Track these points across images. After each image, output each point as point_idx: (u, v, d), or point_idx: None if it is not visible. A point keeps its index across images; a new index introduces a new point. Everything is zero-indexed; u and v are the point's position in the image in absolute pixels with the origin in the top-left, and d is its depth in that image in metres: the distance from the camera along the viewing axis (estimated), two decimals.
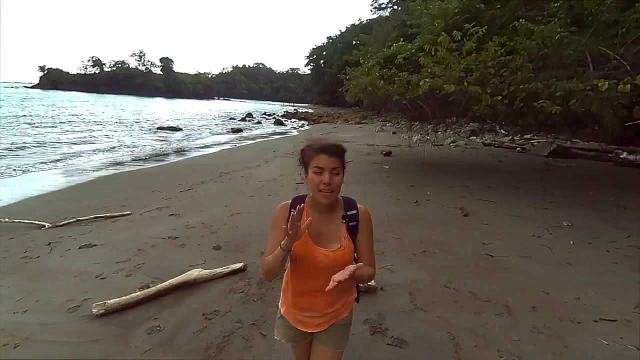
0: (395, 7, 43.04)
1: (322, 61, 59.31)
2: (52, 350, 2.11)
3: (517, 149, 10.53)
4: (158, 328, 2.24)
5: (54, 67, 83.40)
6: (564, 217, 4.18)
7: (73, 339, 2.19)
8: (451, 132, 11.49)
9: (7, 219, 4.54)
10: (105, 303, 2.41)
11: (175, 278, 2.73)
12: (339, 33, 58.50)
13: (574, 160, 8.53)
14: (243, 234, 3.89)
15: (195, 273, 2.80)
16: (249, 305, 2.46)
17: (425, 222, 4.18)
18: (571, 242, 3.48)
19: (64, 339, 2.20)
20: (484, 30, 5.02)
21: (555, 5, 4.51)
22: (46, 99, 42.52)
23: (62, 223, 4.50)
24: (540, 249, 3.34)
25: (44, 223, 4.48)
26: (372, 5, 56.18)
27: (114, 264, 3.20)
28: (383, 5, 50.68)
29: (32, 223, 4.48)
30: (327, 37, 62.59)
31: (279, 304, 1.34)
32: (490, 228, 3.93)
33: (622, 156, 8.83)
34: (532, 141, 11.26)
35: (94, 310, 2.38)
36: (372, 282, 2.60)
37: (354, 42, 47.30)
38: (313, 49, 63.94)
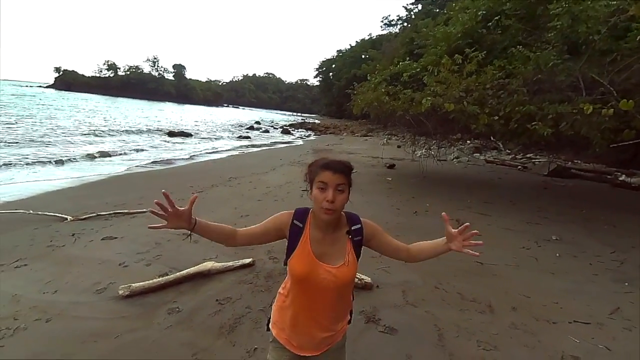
0: (405, 24, 44.13)
1: (331, 74, 60.44)
2: (82, 324, 2.39)
3: (519, 167, 10.76)
4: (177, 309, 2.53)
5: (69, 68, 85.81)
6: (554, 232, 4.42)
7: (102, 316, 2.48)
8: (455, 149, 11.81)
9: (31, 211, 4.88)
10: (130, 286, 2.71)
11: (192, 268, 3.03)
12: (349, 47, 59.84)
13: (572, 180, 8.75)
14: None
15: (209, 265, 3.09)
16: (257, 295, 2.74)
17: (422, 230, 4.45)
18: (557, 255, 3.72)
19: (93, 315, 2.49)
20: (483, 55, 5.36)
21: (550, 34, 4.85)
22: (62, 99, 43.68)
23: (84, 217, 4.82)
24: (528, 259, 3.59)
25: (66, 216, 4.80)
26: (382, 21, 57.68)
27: (134, 255, 3.49)
28: (393, 22, 52.01)
29: (55, 216, 4.81)
30: (337, 51, 64.01)
31: (270, 325, 1.30)
32: (483, 239, 4.11)
33: (620, 178, 9.04)
34: (533, 160, 11.49)
35: (120, 292, 2.67)
36: (369, 280, 2.87)
37: (363, 56, 48.42)
38: (323, 61, 65.29)
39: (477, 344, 2.18)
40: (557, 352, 2.15)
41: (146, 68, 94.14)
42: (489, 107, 5.00)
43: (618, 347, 2.29)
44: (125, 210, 5.14)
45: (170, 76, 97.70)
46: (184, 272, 2.97)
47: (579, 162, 10.89)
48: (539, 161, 11.25)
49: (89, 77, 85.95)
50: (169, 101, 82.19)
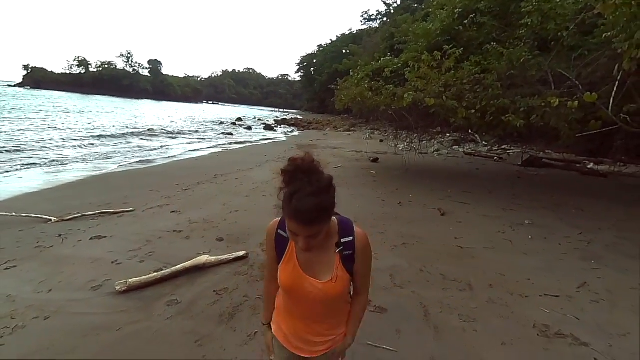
0: (385, 19, 44.62)
1: (312, 69, 60.33)
2: (82, 319, 2.44)
3: (495, 158, 11.26)
4: (176, 301, 2.61)
5: (38, 66, 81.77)
6: (527, 217, 4.76)
7: (101, 311, 2.52)
8: (435, 142, 12.19)
9: (14, 213, 4.76)
10: (127, 281, 2.76)
11: (187, 262, 3.10)
12: (330, 42, 59.87)
13: (544, 169, 9.27)
14: (243, 228, 4.26)
15: (204, 258, 3.17)
16: (254, 284, 2.85)
17: (406, 220, 4.67)
18: (530, 237, 4.04)
19: (92, 311, 2.53)
20: (460, 52, 5.62)
21: (521, 31, 5.14)
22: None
23: (68, 218, 4.74)
24: (503, 242, 3.89)
25: (50, 217, 4.72)
26: (362, 16, 58.07)
27: (126, 252, 3.51)
28: (373, 17, 52.47)
29: (38, 217, 4.72)
30: (318, 45, 63.85)
31: (271, 321, 1.28)
32: (462, 225, 4.46)
33: (589, 166, 9.65)
34: (508, 151, 12.04)
35: (117, 288, 2.72)
36: None
37: (344, 51, 48.61)
38: (304, 56, 65.10)
39: (459, 317, 2.39)
40: (529, 321, 2.40)
41: (120, 64, 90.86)
42: (467, 101, 5.27)
43: (587, 317, 2.54)
44: (112, 210, 5.09)
45: (145, 72, 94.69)
46: (179, 266, 3.03)
47: (551, 152, 11.50)
48: (514, 152, 11.79)
49: (59, 74, 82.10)
50: (145, 98, 79.66)
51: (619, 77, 4.08)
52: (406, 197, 5.94)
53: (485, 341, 2.17)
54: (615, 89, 4.10)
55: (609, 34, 3.90)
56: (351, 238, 1.06)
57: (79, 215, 4.84)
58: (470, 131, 10.27)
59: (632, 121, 4.38)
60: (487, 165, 10.04)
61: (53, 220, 4.65)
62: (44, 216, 4.74)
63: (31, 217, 4.71)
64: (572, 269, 3.29)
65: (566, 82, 4.92)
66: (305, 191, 0.89)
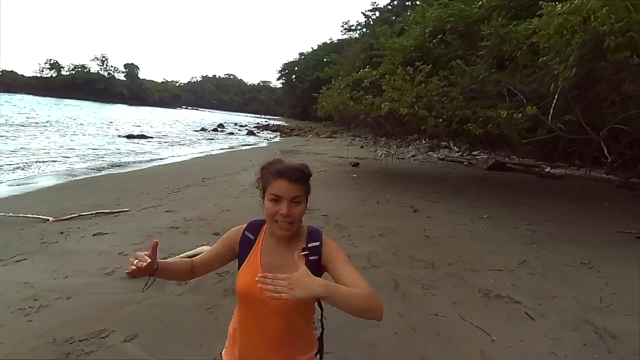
0: (364, 30, 46.16)
1: (293, 76, 60.91)
2: (102, 297, 2.80)
3: (465, 163, 12.20)
4: (184, 282, 3.01)
5: (8, 69, 78.39)
6: (486, 212, 5.48)
7: (118, 291, 2.90)
8: (412, 148, 13.02)
9: (11, 213, 4.96)
10: None
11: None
12: (311, 50, 60.83)
13: (507, 173, 10.21)
14: (236, 224, 4.65)
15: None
16: None
17: (383, 215, 5.26)
18: (485, 228, 4.74)
19: (110, 291, 2.90)
20: (429, 68, 6.34)
21: (481, 51, 5.91)
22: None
23: (66, 217, 4.97)
24: (463, 232, 4.55)
25: (47, 217, 4.95)
26: (342, 26, 59.66)
27: (130, 245, 3.85)
28: (353, 27, 54.00)
29: (36, 217, 4.94)
30: (299, 53, 64.68)
31: (223, 351, 1.18)
32: (431, 219, 5.11)
33: (546, 170, 10.69)
34: (477, 157, 13.03)
35: None
36: None
37: (325, 59, 49.62)
38: (285, 63, 65.54)
39: (422, 287, 2.97)
40: (476, 287, 3.00)
41: (94, 67, 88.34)
42: (435, 111, 5.95)
43: (522, 284, 3.18)
44: (107, 210, 5.36)
45: (121, 76, 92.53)
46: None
47: (515, 157, 12.57)
48: (482, 157, 12.79)
49: (29, 77, 78.91)
50: (120, 103, 77.65)
51: (557, 93, 4.86)
52: (383, 197, 6.55)
53: (440, 302, 2.75)
54: (554, 102, 4.88)
55: (546, 57, 4.66)
56: (318, 243, 1.06)
57: (76, 215, 5.08)
58: (442, 138, 11.14)
59: (570, 129, 5.20)
60: (457, 169, 10.92)
61: (51, 220, 4.87)
62: (41, 216, 4.96)
63: (28, 217, 4.92)
64: (516, 251, 3.97)
65: (516, 97, 5.70)
66: (289, 163, 1.05)
